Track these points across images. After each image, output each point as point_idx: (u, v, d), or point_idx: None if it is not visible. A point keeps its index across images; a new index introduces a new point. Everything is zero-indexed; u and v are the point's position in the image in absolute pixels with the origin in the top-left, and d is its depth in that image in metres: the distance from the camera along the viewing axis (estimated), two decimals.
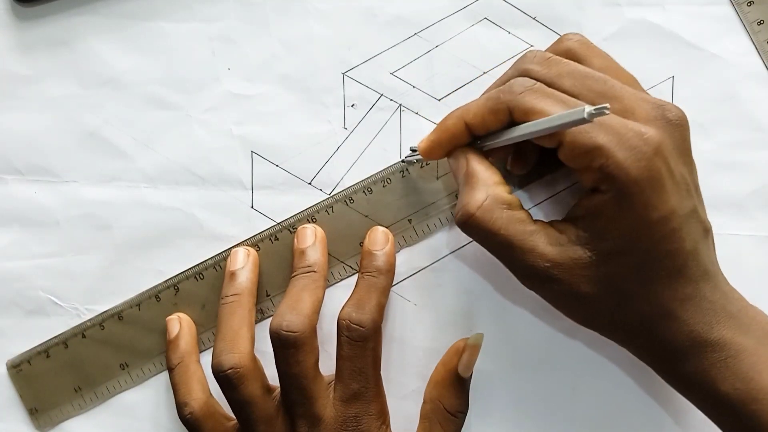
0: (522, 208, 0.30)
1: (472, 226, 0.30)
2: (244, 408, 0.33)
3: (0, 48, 0.38)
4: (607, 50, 0.37)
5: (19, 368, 0.38)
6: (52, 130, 0.38)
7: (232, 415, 0.35)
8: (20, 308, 0.38)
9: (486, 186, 0.30)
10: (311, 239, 0.36)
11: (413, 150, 0.35)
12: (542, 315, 0.37)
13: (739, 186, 0.36)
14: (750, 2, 0.36)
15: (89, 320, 0.38)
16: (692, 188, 0.29)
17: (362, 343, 0.33)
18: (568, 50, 0.31)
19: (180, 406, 0.35)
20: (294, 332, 0.32)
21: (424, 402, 0.35)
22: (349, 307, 0.33)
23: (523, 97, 0.29)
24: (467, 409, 0.34)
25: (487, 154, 0.32)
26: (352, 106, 0.37)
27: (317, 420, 0.33)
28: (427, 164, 0.36)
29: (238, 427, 0.34)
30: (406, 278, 0.37)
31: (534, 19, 0.37)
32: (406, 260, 0.37)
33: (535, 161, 0.34)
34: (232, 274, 0.36)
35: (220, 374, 0.33)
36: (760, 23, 0.36)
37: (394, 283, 0.36)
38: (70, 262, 0.38)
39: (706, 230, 0.30)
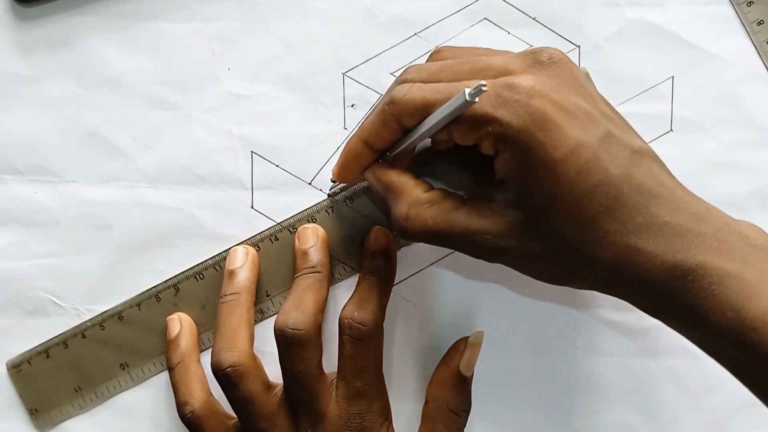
0: (446, 196, 0.30)
1: (410, 235, 0.31)
2: (244, 406, 0.33)
3: (0, 48, 0.38)
4: (607, 50, 0.37)
5: (19, 368, 0.38)
6: (52, 130, 0.38)
7: (233, 414, 0.35)
8: (20, 308, 0.38)
9: (404, 194, 0.31)
10: (313, 240, 0.36)
11: (333, 180, 0.35)
12: (542, 314, 0.37)
13: (739, 186, 0.36)
14: (750, 2, 0.36)
15: (89, 320, 0.38)
16: (598, 115, 0.28)
17: (364, 342, 0.33)
18: (441, 58, 0.32)
19: (180, 406, 0.35)
20: (299, 330, 0.32)
21: (427, 402, 0.35)
22: (350, 307, 0.33)
23: (404, 99, 0.29)
24: (470, 407, 0.34)
25: (399, 160, 0.32)
26: (352, 106, 0.37)
27: (320, 417, 0.33)
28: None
29: (239, 425, 0.34)
30: (406, 278, 0.37)
31: (534, 19, 0.37)
32: (406, 260, 0.37)
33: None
34: (231, 273, 0.36)
35: (219, 372, 0.33)
36: (760, 23, 0.36)
37: (394, 283, 0.36)
38: (70, 262, 0.38)
39: (636, 151, 0.27)
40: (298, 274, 0.35)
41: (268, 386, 0.34)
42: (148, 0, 0.38)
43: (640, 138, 0.29)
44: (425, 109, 0.29)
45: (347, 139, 0.33)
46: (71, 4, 0.38)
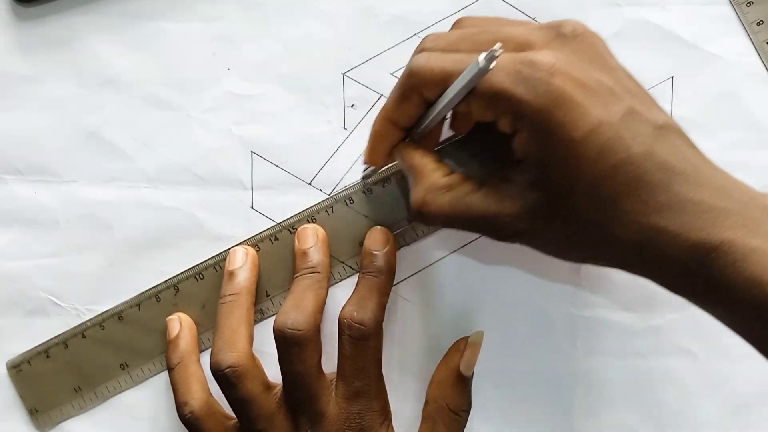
0: (464, 180, 0.30)
1: (426, 220, 0.30)
2: (243, 406, 0.33)
3: (0, 48, 0.38)
4: None
5: (19, 368, 0.38)
6: (52, 130, 0.38)
7: (233, 415, 0.35)
8: (20, 308, 0.38)
9: (423, 178, 0.31)
10: (313, 240, 0.36)
11: (366, 163, 0.35)
12: (543, 314, 0.37)
13: None
14: (750, 2, 0.36)
15: (89, 320, 0.38)
16: (620, 91, 0.27)
17: (364, 341, 0.33)
18: (462, 27, 0.31)
19: (180, 406, 0.35)
20: (298, 330, 0.32)
21: (427, 402, 0.35)
22: (350, 306, 0.33)
23: (423, 69, 0.29)
24: (470, 407, 0.34)
25: (425, 139, 0.32)
26: (352, 106, 0.37)
27: (320, 417, 0.33)
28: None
29: (238, 425, 0.34)
30: (406, 278, 0.37)
31: (534, 19, 0.37)
32: (406, 260, 0.37)
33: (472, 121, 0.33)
34: (231, 274, 0.36)
35: (218, 373, 0.33)
36: (759, 23, 0.36)
37: (394, 283, 0.36)
38: (70, 262, 0.38)
39: (660, 127, 0.27)
40: (298, 274, 0.35)
41: (268, 386, 0.34)
42: (148, 0, 0.38)
43: (664, 112, 0.28)
44: (445, 80, 0.28)
45: (373, 120, 0.33)
46: (71, 4, 0.38)
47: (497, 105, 0.27)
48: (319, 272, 0.35)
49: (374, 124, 0.32)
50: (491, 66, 0.25)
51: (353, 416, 0.33)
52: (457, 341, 0.35)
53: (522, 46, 0.28)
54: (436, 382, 0.35)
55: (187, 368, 0.35)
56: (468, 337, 0.35)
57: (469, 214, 0.29)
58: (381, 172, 0.37)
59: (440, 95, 0.29)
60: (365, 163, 0.34)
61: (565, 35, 0.28)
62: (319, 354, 0.33)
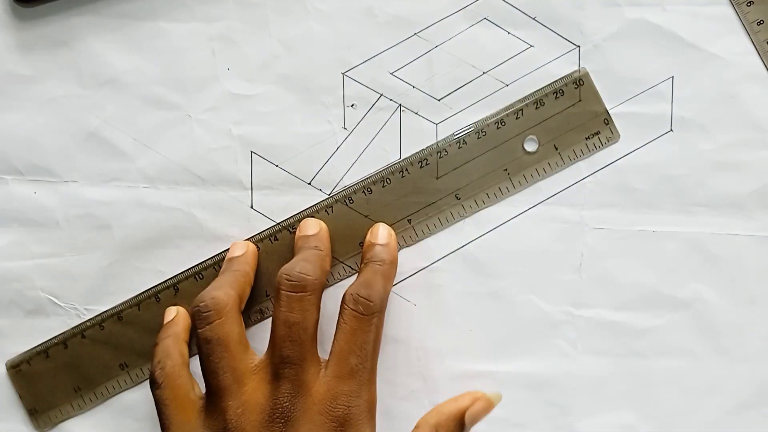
0: None
1: None
2: (213, 350, 0.30)
3: (0, 48, 0.38)
4: (607, 50, 0.37)
5: (18, 368, 0.38)
6: (52, 130, 0.38)
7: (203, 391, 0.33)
8: (20, 308, 0.38)
9: None
10: (315, 229, 0.35)
11: None
12: (542, 314, 0.37)
13: (739, 186, 0.36)
14: (750, 2, 0.36)
15: (89, 320, 0.38)
16: None
17: (368, 317, 0.31)
18: None
19: (153, 367, 0.33)
20: (308, 275, 0.31)
21: (417, 426, 0.33)
22: (356, 286, 0.32)
23: None
24: None
25: None
26: (352, 106, 0.37)
27: (304, 390, 0.30)
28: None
29: (204, 400, 0.32)
30: (406, 278, 0.37)
31: (534, 19, 0.37)
32: (406, 260, 0.37)
33: None
34: (231, 260, 0.35)
35: (196, 307, 0.31)
36: (760, 23, 0.36)
37: (394, 283, 0.36)
38: (70, 262, 0.38)
39: None
40: (299, 249, 0.35)
41: (247, 347, 0.32)
42: (148, 0, 0.38)
43: None
44: None
45: None
46: (71, 4, 0.38)
47: None
48: (321, 250, 0.34)
49: None
50: None
51: (341, 396, 0.31)
52: (475, 391, 0.34)
53: None
54: (436, 410, 0.33)
55: (175, 341, 0.34)
56: (486, 393, 0.34)
57: None
58: (380, 171, 0.37)
59: None
60: None
61: None
62: (318, 318, 0.32)
